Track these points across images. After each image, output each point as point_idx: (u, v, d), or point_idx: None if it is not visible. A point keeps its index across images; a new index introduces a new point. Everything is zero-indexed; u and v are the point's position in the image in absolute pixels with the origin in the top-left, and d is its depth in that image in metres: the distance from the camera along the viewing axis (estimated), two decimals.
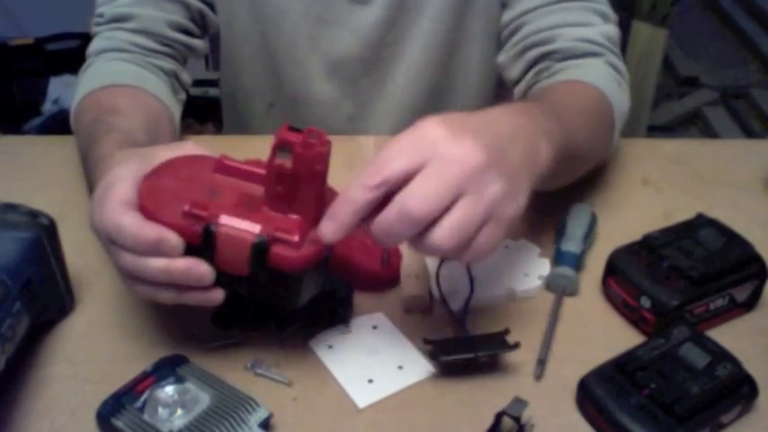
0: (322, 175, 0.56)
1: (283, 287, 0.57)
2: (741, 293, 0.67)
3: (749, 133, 2.47)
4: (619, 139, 0.85)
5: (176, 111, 0.89)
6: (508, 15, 0.90)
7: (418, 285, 0.68)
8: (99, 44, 0.88)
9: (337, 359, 0.62)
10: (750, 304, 0.68)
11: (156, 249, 0.54)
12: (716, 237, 0.68)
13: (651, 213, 0.81)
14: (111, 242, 0.56)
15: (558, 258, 0.71)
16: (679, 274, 0.65)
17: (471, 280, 0.66)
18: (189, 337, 0.64)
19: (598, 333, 0.66)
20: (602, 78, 0.81)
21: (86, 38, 0.92)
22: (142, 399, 0.56)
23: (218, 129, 1.71)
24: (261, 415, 0.55)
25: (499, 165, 0.54)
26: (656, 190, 0.86)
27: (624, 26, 1.07)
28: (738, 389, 0.57)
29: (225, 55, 1.02)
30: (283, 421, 0.57)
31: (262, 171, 0.57)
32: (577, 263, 0.70)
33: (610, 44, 0.86)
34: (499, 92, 1.01)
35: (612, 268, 0.68)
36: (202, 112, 2.00)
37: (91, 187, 0.68)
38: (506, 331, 0.62)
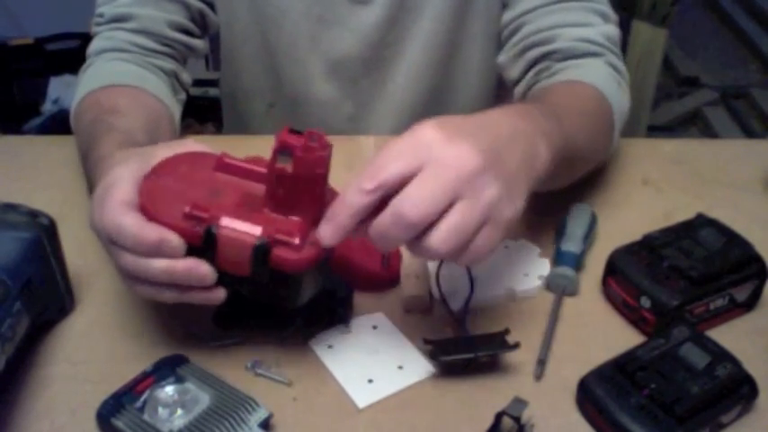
0: (323, 178, 0.56)
1: (284, 287, 0.57)
2: (741, 293, 0.67)
3: (749, 133, 2.47)
4: (619, 139, 0.85)
5: (176, 111, 0.89)
6: (508, 15, 0.90)
7: (418, 285, 0.68)
8: (99, 44, 0.88)
9: (337, 359, 0.62)
10: (750, 304, 0.68)
11: (158, 250, 0.54)
12: (716, 237, 0.68)
13: (651, 213, 0.81)
14: (111, 243, 0.56)
15: (558, 258, 0.71)
16: (679, 274, 0.65)
17: (471, 280, 0.66)
18: (189, 337, 0.64)
19: (598, 333, 0.66)
20: (602, 79, 0.81)
21: (86, 38, 0.92)
22: (142, 399, 0.56)
23: (219, 129, 1.71)
24: (261, 415, 0.55)
25: (496, 168, 0.54)
26: (656, 190, 0.86)
27: (624, 26, 1.07)
28: (738, 389, 0.57)
29: (225, 55, 1.02)
30: (283, 421, 0.57)
31: (263, 170, 0.57)
32: (577, 263, 0.70)
33: (610, 44, 0.86)
34: (499, 92, 1.01)
35: (612, 268, 0.68)
36: (202, 112, 2.00)
37: (91, 187, 0.68)
38: (506, 331, 0.62)
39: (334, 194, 0.57)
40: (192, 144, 0.62)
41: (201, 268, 0.55)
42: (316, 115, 0.99)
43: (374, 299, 0.68)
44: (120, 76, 0.84)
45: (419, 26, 0.93)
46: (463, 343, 0.62)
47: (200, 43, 0.94)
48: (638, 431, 0.54)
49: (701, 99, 2.65)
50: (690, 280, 0.64)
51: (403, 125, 0.56)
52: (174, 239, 0.54)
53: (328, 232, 0.55)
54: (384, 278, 0.69)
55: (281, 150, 0.54)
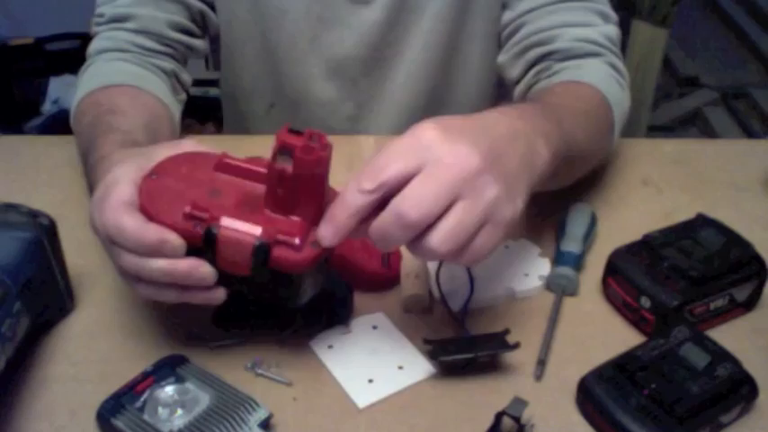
0: (323, 178, 0.56)
1: (284, 287, 0.57)
2: (741, 293, 0.67)
3: (749, 133, 2.47)
4: (618, 139, 0.85)
5: (176, 111, 0.89)
6: (508, 16, 0.90)
7: (418, 285, 0.68)
8: (99, 44, 0.88)
9: (337, 359, 0.62)
10: (750, 304, 0.68)
11: (158, 251, 0.54)
12: (716, 237, 0.68)
13: (651, 213, 0.81)
14: (111, 243, 0.56)
15: (558, 258, 0.71)
16: (679, 274, 0.65)
17: (471, 280, 0.66)
18: (189, 337, 0.64)
19: (598, 333, 0.66)
20: (602, 79, 0.82)
21: (86, 38, 0.92)
22: (142, 399, 0.56)
23: (219, 129, 1.71)
24: (261, 415, 0.55)
25: (495, 168, 0.54)
26: (656, 190, 0.86)
27: (624, 26, 1.07)
28: (738, 389, 0.57)
29: (225, 55, 1.02)
30: (283, 421, 0.57)
31: (263, 170, 0.57)
32: (577, 263, 0.70)
33: (610, 44, 0.86)
34: (499, 92, 1.01)
35: (612, 268, 0.68)
36: (202, 112, 2.00)
37: (91, 187, 0.68)
38: (506, 331, 0.62)
39: (334, 194, 0.56)
40: (192, 144, 0.62)
41: (202, 268, 0.55)
42: (316, 115, 0.99)
43: (374, 299, 0.68)
44: (120, 76, 0.84)
45: (419, 26, 0.93)
46: (463, 343, 0.62)
47: (200, 43, 0.94)
48: (638, 431, 0.54)
49: (700, 99, 2.65)
50: (690, 280, 0.64)
51: (403, 125, 0.56)
52: (175, 240, 0.54)
53: (328, 232, 0.55)
54: (384, 278, 0.69)
55: (281, 150, 0.54)
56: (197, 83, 0.98)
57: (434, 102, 0.99)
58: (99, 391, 0.56)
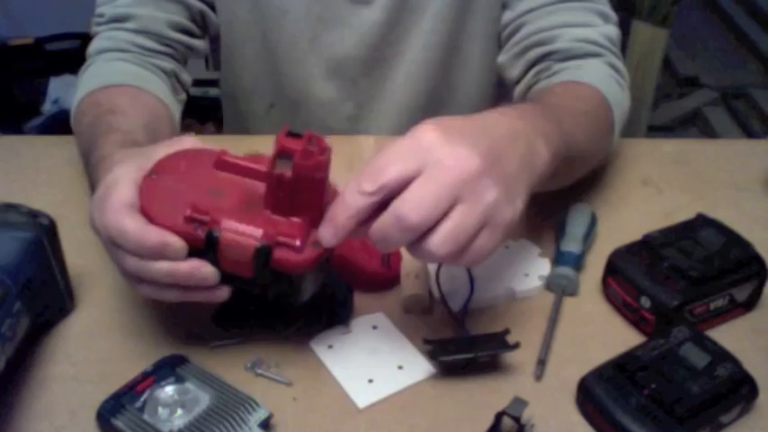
0: (322, 182, 0.56)
1: (286, 286, 0.57)
2: (741, 293, 0.67)
3: (749, 133, 2.47)
4: (618, 139, 0.85)
5: (176, 111, 0.89)
6: (508, 16, 0.90)
7: (418, 285, 0.68)
8: (99, 44, 0.88)
9: (337, 359, 0.62)
10: (750, 304, 0.68)
11: (160, 253, 0.54)
12: (716, 237, 0.68)
13: (651, 213, 0.81)
14: (112, 244, 0.56)
15: (559, 258, 0.71)
16: (679, 274, 0.65)
17: (471, 280, 0.66)
18: (189, 337, 0.64)
19: (598, 333, 0.66)
20: (602, 79, 0.82)
21: (86, 38, 0.92)
22: (142, 399, 0.56)
23: (219, 129, 1.71)
24: (261, 415, 0.55)
25: (495, 170, 0.54)
26: (656, 190, 0.86)
27: (624, 26, 1.07)
28: (738, 389, 0.57)
29: (225, 55, 1.02)
30: (283, 421, 0.57)
31: (262, 168, 0.57)
32: (577, 263, 0.70)
33: (610, 45, 0.86)
34: (499, 92, 1.01)
35: (612, 268, 0.68)
36: (202, 112, 2.00)
37: (93, 187, 0.68)
38: (506, 331, 0.62)
39: (335, 194, 0.57)
40: (192, 141, 0.62)
41: (204, 269, 0.55)
42: (316, 115, 0.99)
43: (374, 299, 0.68)
44: (120, 76, 0.84)
45: (419, 26, 0.93)
46: (463, 343, 0.62)
47: (200, 43, 0.94)
48: (638, 431, 0.54)
49: (701, 99, 2.65)
50: (690, 280, 0.64)
51: (403, 125, 0.56)
52: (176, 242, 0.54)
53: (328, 233, 0.55)
54: (384, 278, 0.69)
55: (280, 155, 0.54)
56: (197, 83, 0.98)
57: (434, 102, 0.99)
58: (99, 391, 0.56)
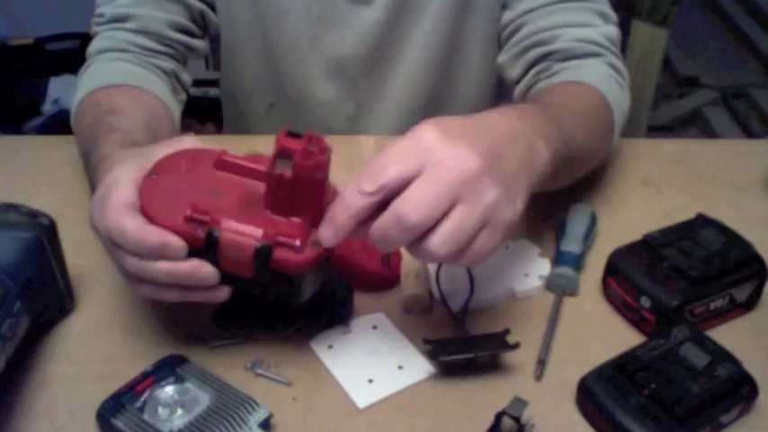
0: (322, 182, 0.56)
1: (286, 286, 0.57)
2: (741, 293, 0.67)
3: (749, 133, 2.47)
4: (618, 139, 0.85)
5: (176, 111, 0.89)
6: (508, 16, 0.90)
7: (418, 285, 0.68)
8: (99, 44, 0.88)
9: (337, 359, 0.62)
10: (750, 304, 0.68)
11: (160, 254, 0.54)
12: (716, 237, 0.68)
13: (651, 213, 0.81)
14: (113, 244, 0.56)
15: (559, 258, 0.71)
16: (679, 274, 0.65)
17: (471, 280, 0.66)
18: (189, 337, 0.64)
19: (598, 333, 0.66)
20: (602, 79, 0.82)
21: (86, 38, 0.92)
22: (142, 399, 0.56)
23: (219, 129, 1.71)
24: (261, 415, 0.55)
25: (495, 170, 0.54)
26: (656, 190, 0.86)
27: (624, 26, 1.07)
28: (738, 389, 0.57)
29: (225, 55, 1.02)
30: (283, 421, 0.57)
31: (262, 168, 0.57)
32: (577, 263, 0.70)
33: (610, 45, 0.86)
34: (499, 92, 1.01)
35: (612, 268, 0.68)
36: (202, 112, 2.00)
37: (93, 187, 0.68)
38: (506, 331, 0.62)
39: (335, 194, 0.57)
40: (192, 140, 0.62)
41: (204, 269, 0.55)
42: (316, 115, 0.99)
43: (374, 299, 0.68)
44: (120, 76, 0.84)
45: (419, 26, 0.93)
46: (463, 343, 0.62)
47: (200, 43, 0.94)
48: (638, 431, 0.54)
49: (700, 99, 2.65)
50: (690, 280, 0.64)
51: (403, 125, 0.56)
52: (177, 242, 0.54)
53: (328, 233, 0.55)
54: (384, 278, 0.69)
55: (280, 155, 0.54)
56: (197, 83, 0.98)
57: (434, 102, 0.99)
58: (99, 391, 0.56)
